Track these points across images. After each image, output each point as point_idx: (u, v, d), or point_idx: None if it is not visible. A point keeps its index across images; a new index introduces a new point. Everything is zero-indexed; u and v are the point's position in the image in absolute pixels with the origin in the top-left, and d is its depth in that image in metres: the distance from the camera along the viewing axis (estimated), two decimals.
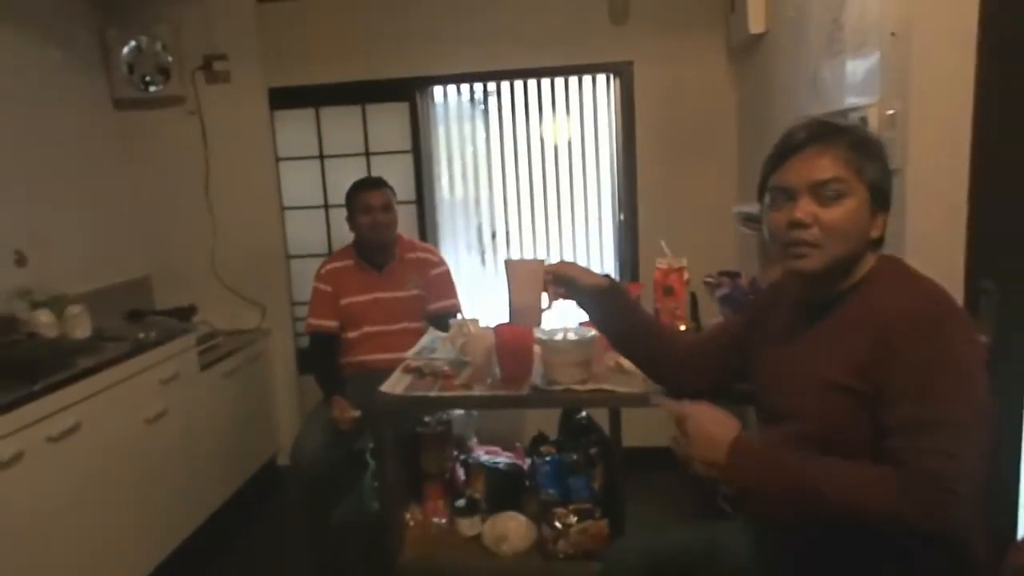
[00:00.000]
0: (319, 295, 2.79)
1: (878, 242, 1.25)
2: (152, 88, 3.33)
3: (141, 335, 2.70)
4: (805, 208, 1.21)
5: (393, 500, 1.95)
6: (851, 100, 1.83)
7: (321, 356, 2.79)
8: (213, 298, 3.44)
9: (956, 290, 1.50)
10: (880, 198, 1.21)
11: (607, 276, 1.61)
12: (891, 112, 1.59)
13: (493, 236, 3.57)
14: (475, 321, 2.16)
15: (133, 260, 3.45)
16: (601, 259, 3.54)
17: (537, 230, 3.54)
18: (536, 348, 1.88)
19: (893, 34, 1.57)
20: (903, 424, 1.09)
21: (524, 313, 1.57)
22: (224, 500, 3.05)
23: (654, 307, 1.98)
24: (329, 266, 2.83)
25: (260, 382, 3.46)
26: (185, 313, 3.19)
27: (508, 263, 1.60)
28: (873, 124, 1.66)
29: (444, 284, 2.90)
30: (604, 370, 1.84)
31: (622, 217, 3.46)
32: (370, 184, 2.81)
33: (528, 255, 3.51)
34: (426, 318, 2.78)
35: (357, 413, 2.47)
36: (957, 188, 1.52)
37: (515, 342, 1.84)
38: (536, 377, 1.83)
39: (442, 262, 2.96)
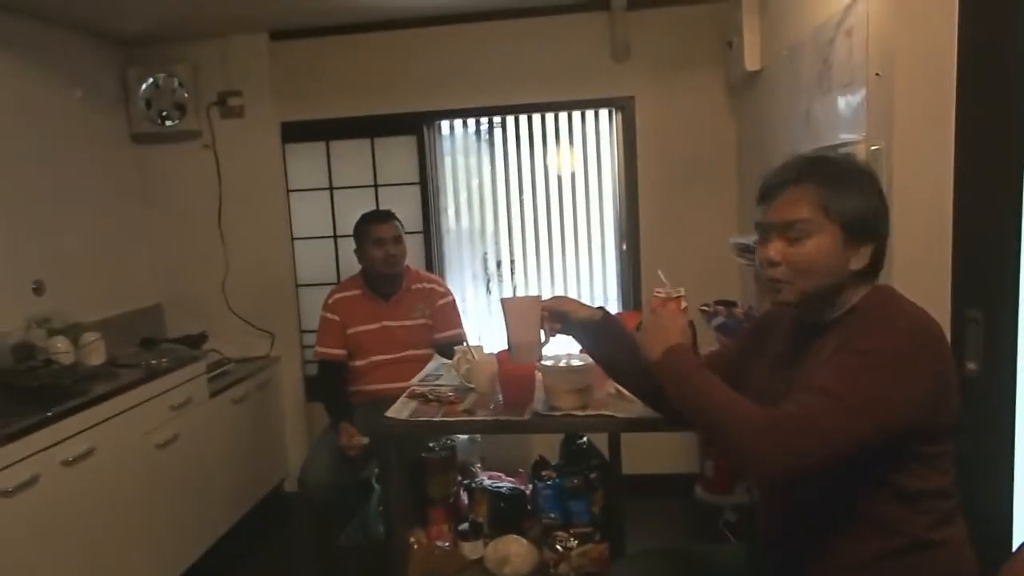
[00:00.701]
0: (327, 324, 2.86)
1: (869, 272, 1.30)
2: (169, 123, 3.45)
3: (153, 362, 2.77)
4: (775, 247, 1.29)
5: (397, 523, 1.99)
6: (842, 136, 1.91)
7: (329, 383, 2.85)
8: (224, 326, 3.52)
9: (943, 319, 1.56)
10: (858, 230, 1.26)
11: (601, 308, 1.66)
12: (875, 147, 1.67)
13: (499, 266, 3.64)
14: (479, 348, 2.22)
15: (147, 289, 3.53)
16: (604, 288, 3.60)
17: (542, 260, 3.61)
18: (538, 375, 1.94)
19: (877, 74, 1.65)
20: (798, 385, 1.20)
21: (523, 349, 1.63)
22: (232, 525, 3.09)
23: None
24: (337, 296, 2.90)
25: (269, 409, 3.52)
26: (196, 341, 3.26)
27: (504, 301, 1.66)
28: (860, 159, 1.73)
29: (450, 314, 2.97)
30: (604, 396, 1.89)
31: (624, 247, 3.53)
32: (381, 217, 2.88)
33: (531, 288, 3.58)
34: (432, 347, 2.83)
35: (365, 440, 2.52)
36: (941, 220, 1.59)
37: (517, 369, 1.89)
38: (538, 403, 1.88)
39: (448, 292, 3.02)
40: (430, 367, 2.38)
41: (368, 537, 2.42)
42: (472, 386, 2.08)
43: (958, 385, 1.22)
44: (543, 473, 1.89)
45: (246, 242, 3.55)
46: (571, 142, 3.53)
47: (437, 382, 2.21)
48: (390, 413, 1.90)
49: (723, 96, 3.31)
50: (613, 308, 3.56)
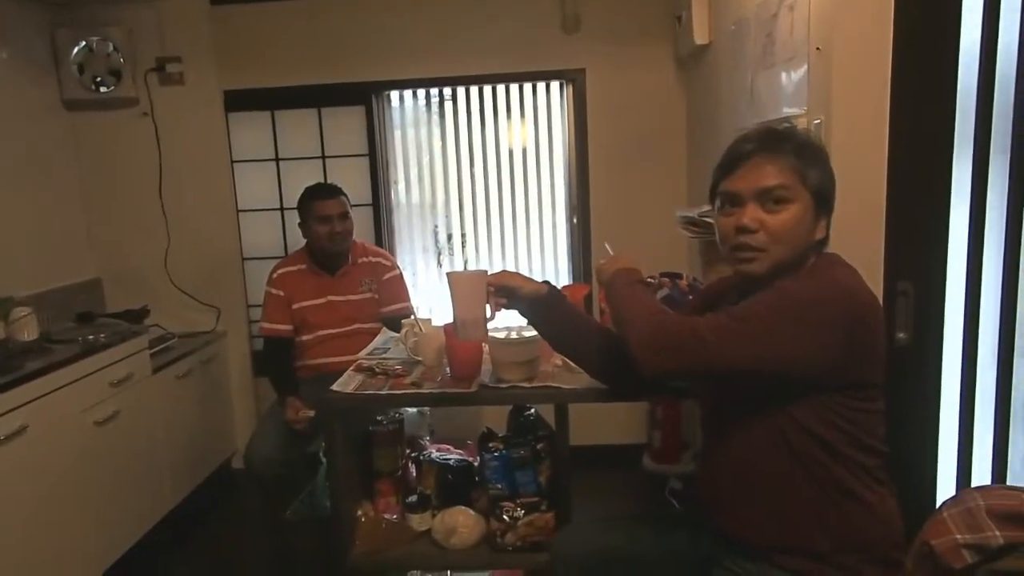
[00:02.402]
0: (272, 299, 2.80)
1: (822, 242, 1.34)
2: (103, 89, 3.30)
3: (91, 337, 2.69)
4: (752, 214, 1.28)
5: (344, 496, 1.98)
6: (785, 110, 1.94)
7: (275, 359, 2.81)
8: (167, 301, 3.43)
9: (876, 291, 1.60)
10: (823, 202, 1.30)
11: (546, 283, 1.67)
12: (817, 121, 1.70)
13: (449, 239, 3.62)
14: (426, 321, 2.21)
15: (84, 262, 3.41)
16: (556, 262, 3.62)
17: (493, 233, 3.60)
18: (485, 348, 1.94)
19: (818, 49, 1.67)
20: None
21: (469, 325, 1.62)
22: (178, 502, 3.04)
23: (600, 308, 2.05)
24: (281, 271, 2.84)
25: (215, 385, 3.45)
26: (137, 316, 3.17)
27: (450, 276, 1.65)
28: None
29: (397, 287, 2.94)
30: (551, 368, 1.91)
31: (575, 220, 3.54)
32: (326, 192, 2.80)
33: (482, 262, 3.58)
34: (380, 321, 2.81)
35: (311, 413, 2.50)
36: (876, 192, 1.63)
37: (465, 342, 1.89)
38: (485, 376, 1.88)
39: (395, 266, 2.99)
40: (378, 341, 2.36)
41: (315, 511, 2.40)
42: (419, 359, 2.07)
43: (884, 351, 1.27)
44: (490, 445, 1.90)
45: (189, 214, 3.45)
46: (522, 115, 3.51)
47: (384, 355, 2.19)
48: (335, 387, 1.88)
49: (673, 70, 3.32)
50: (564, 281, 3.58)
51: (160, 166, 3.40)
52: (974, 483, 1.48)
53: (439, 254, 3.64)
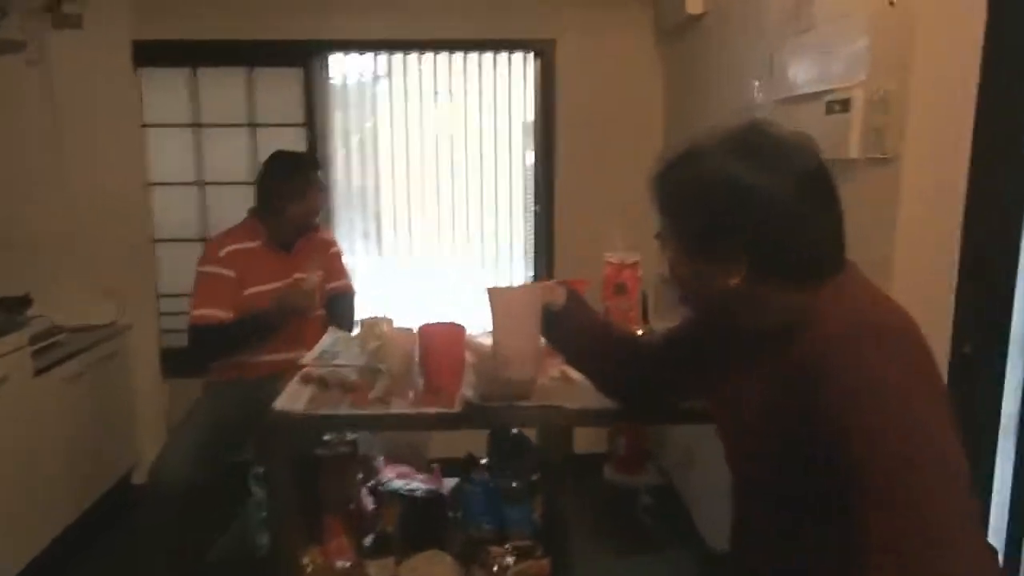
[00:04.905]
0: (216, 281, 2.27)
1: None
2: None
3: None
4: None
5: (285, 539, 1.58)
6: (821, 84, 1.65)
7: (213, 348, 2.31)
8: (55, 287, 2.87)
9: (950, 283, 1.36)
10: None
11: (563, 284, 1.34)
12: (883, 92, 1.41)
13: (391, 225, 3.22)
14: (389, 321, 1.83)
15: None
16: (511, 251, 3.27)
17: (444, 222, 3.23)
18: (468, 355, 1.58)
19: (892, 3, 1.39)
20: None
21: (517, 363, 1.25)
22: (66, 525, 2.54)
23: (603, 306, 1.73)
24: (231, 247, 2.32)
25: (114, 387, 2.93)
26: (16, 305, 2.62)
27: (495, 294, 1.27)
28: (858, 107, 1.48)
29: (340, 263, 2.60)
30: (547, 381, 1.56)
31: (537, 208, 3.20)
32: (311, 162, 2.47)
33: (429, 253, 3.18)
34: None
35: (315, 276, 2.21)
36: (956, 177, 1.36)
37: (445, 347, 1.53)
38: (467, 389, 1.52)
39: (336, 242, 2.65)
40: (325, 342, 1.95)
41: (248, 552, 1.97)
42: (382, 367, 1.68)
43: None
44: (473, 475, 1.55)
45: (88, 185, 2.91)
46: (480, 88, 3.13)
47: (335, 361, 1.79)
48: (280, 404, 1.48)
49: (651, 44, 3.03)
50: (523, 273, 3.25)
51: (52, 126, 2.84)
52: None
53: (380, 241, 3.23)
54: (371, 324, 1.77)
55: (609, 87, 3.06)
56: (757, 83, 2.05)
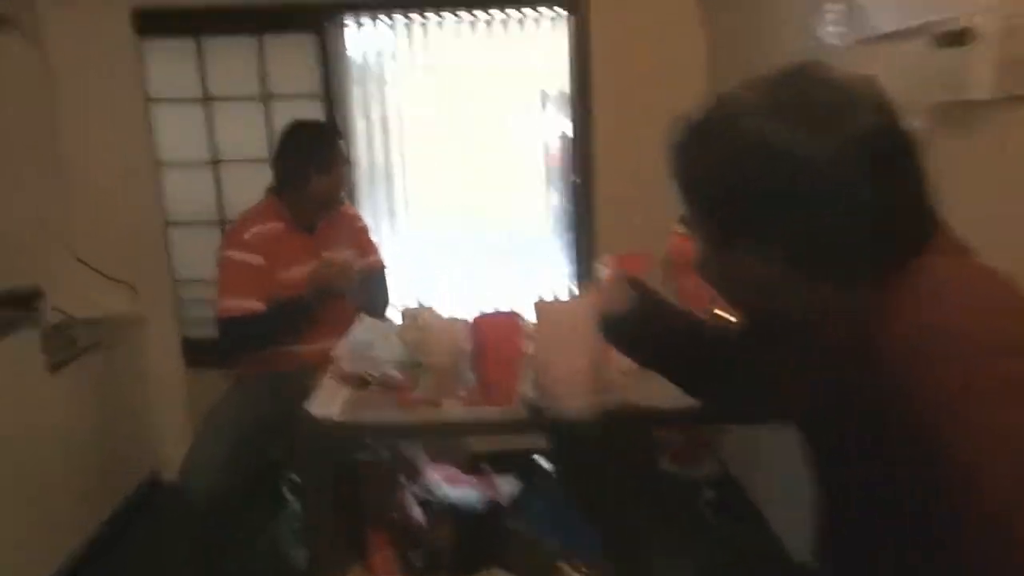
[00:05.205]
0: (243, 268, 2.07)
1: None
2: None
3: None
4: None
5: (326, 554, 1.41)
6: (927, 14, 1.41)
7: (249, 340, 2.11)
8: (66, 278, 2.69)
9: None
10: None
11: (631, 280, 1.13)
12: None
13: (417, 203, 3.02)
14: (430, 310, 1.63)
15: None
16: (544, 227, 3.05)
17: (470, 199, 3.02)
18: (526, 346, 1.38)
19: None
20: None
21: (562, 387, 1.05)
22: (88, 532, 2.40)
23: (671, 286, 1.53)
24: (254, 229, 2.12)
25: (134, 380, 2.78)
26: (24, 299, 2.44)
27: (542, 309, 1.07)
28: (988, 36, 1.24)
29: (368, 240, 2.43)
30: (619, 375, 1.37)
31: (576, 180, 2.98)
32: (332, 132, 2.25)
33: (455, 233, 2.97)
34: None
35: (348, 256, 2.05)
36: None
37: (500, 338, 1.33)
38: (525, 384, 1.33)
39: (361, 217, 2.50)
40: (357, 332, 1.76)
41: (282, 565, 1.81)
42: (424, 361, 1.50)
43: None
44: (536, 480, 1.36)
45: (94, 167, 2.72)
46: (506, 54, 2.89)
47: (370, 352, 1.61)
48: (315, 407, 1.30)
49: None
50: (557, 252, 3.04)
51: (53, 105, 2.65)
52: None
53: (401, 222, 3.02)
54: (412, 315, 1.58)
55: (648, 41, 2.81)
56: (831, 22, 1.81)
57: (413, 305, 1.64)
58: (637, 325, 1.07)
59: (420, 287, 2.82)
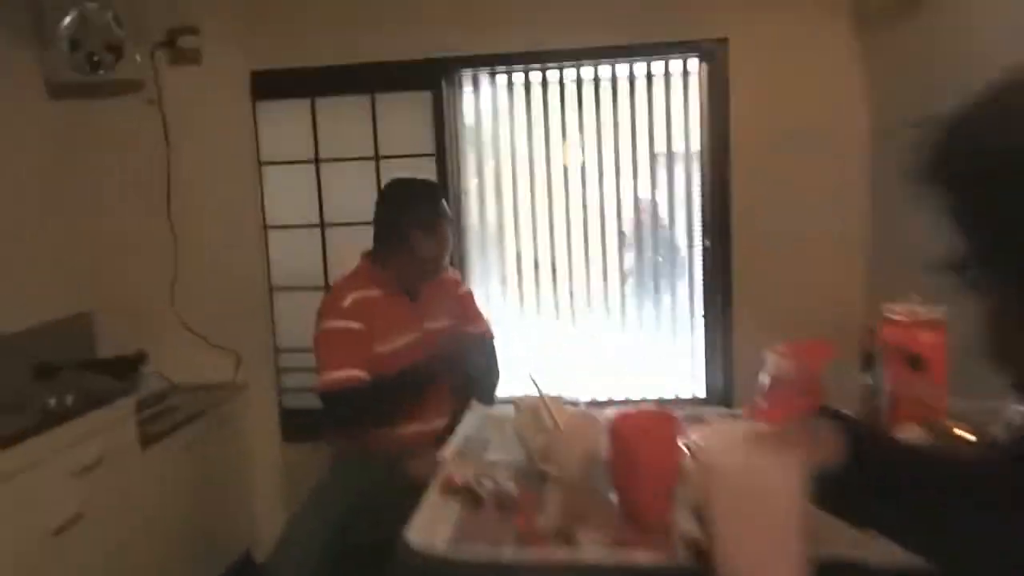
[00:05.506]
0: (346, 336, 1.87)
1: None
2: (100, 71, 2.55)
3: (51, 401, 1.88)
4: None
5: None
6: None
7: (358, 416, 1.88)
8: (172, 342, 2.63)
9: None
10: None
11: (835, 416, 0.81)
12: None
13: (536, 268, 2.77)
14: (556, 400, 1.35)
15: (70, 292, 2.63)
16: (673, 297, 2.73)
17: (592, 259, 2.75)
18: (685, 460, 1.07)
19: None
20: None
21: (769, 571, 0.75)
22: None
23: (885, 388, 1.17)
24: (354, 295, 1.92)
25: (230, 454, 2.63)
26: (125, 366, 2.36)
27: (720, 475, 0.78)
28: None
29: (474, 307, 2.20)
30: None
31: (707, 243, 2.66)
32: (438, 193, 2.06)
33: (574, 303, 2.69)
34: None
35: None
36: None
37: (652, 448, 1.03)
38: (682, 515, 1.01)
39: (464, 282, 2.32)
40: (469, 426, 1.50)
41: None
42: (552, 472, 1.21)
43: None
44: None
45: (204, 231, 2.67)
46: (633, 104, 2.64)
47: (484, 455, 1.34)
48: (414, 531, 1.03)
49: (846, 34, 2.44)
50: (688, 329, 2.70)
51: (168, 168, 2.63)
52: None
53: (521, 288, 2.78)
54: (531, 406, 1.30)
55: (795, 89, 2.49)
56: None
57: (528, 391, 1.37)
58: (864, 482, 0.74)
59: (534, 365, 2.54)
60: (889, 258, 2.36)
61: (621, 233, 2.72)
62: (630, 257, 2.75)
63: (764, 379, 1.00)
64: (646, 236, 2.72)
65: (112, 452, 1.98)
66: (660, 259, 2.72)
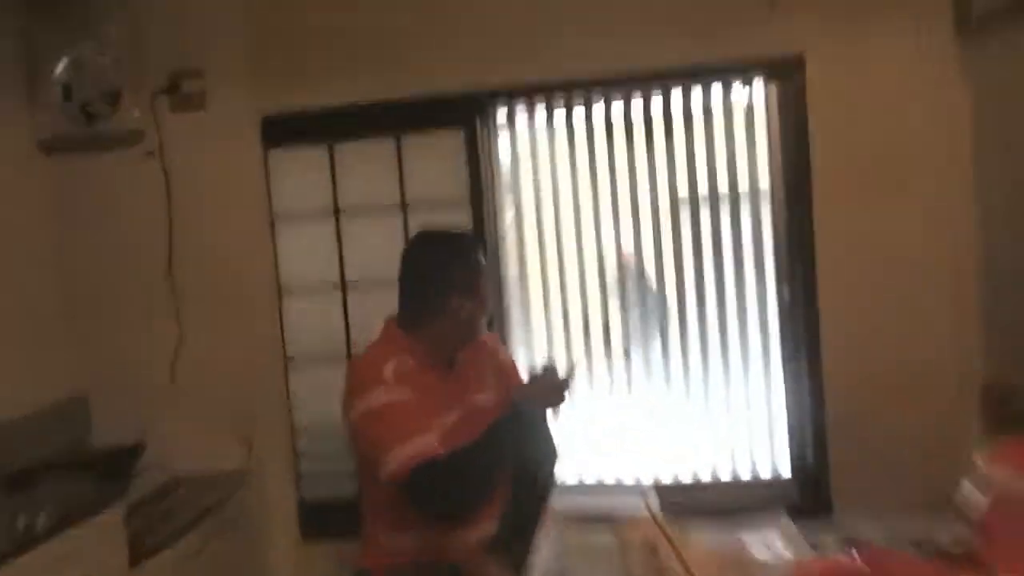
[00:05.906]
0: (406, 408, 1.52)
1: None
2: (96, 122, 2.29)
3: (20, 523, 1.53)
4: None
5: None
6: None
7: (453, 491, 1.50)
8: (173, 424, 2.30)
9: None
10: None
11: None
12: None
13: (586, 329, 2.41)
14: (659, 518, 0.98)
15: (61, 372, 2.33)
16: (745, 359, 2.33)
17: (650, 319, 2.41)
18: None
19: None
20: None
21: None
22: None
23: None
24: (394, 360, 1.58)
25: (240, 560, 2.24)
26: (120, 462, 2.02)
27: None
28: None
29: (518, 376, 1.78)
30: None
31: (787, 293, 2.29)
32: (474, 243, 1.75)
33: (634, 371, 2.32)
34: None
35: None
36: None
37: None
38: None
39: (503, 345, 2.03)
40: (551, 548, 1.12)
41: None
42: None
43: None
44: None
45: (210, 298, 2.37)
46: (689, 130, 2.31)
47: None
48: None
49: (948, 47, 2.11)
50: (763, 394, 2.32)
51: (170, 228, 2.34)
52: None
53: (570, 354, 2.40)
54: (644, 537, 0.93)
55: (883, 112, 2.16)
56: None
57: (628, 504, 1.00)
58: None
59: (593, 444, 2.17)
60: (1006, 298, 2.01)
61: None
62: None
63: (977, 499, 0.66)
64: (707, 286, 2.36)
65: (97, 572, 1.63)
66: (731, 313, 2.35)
